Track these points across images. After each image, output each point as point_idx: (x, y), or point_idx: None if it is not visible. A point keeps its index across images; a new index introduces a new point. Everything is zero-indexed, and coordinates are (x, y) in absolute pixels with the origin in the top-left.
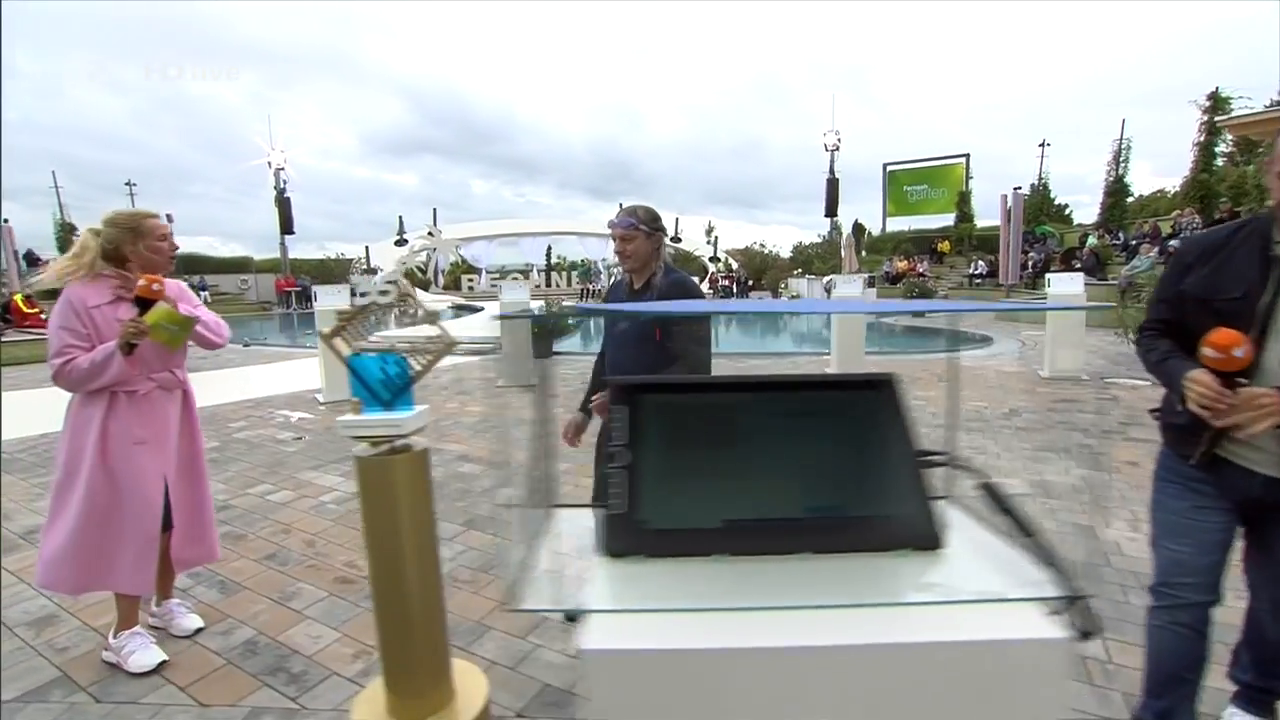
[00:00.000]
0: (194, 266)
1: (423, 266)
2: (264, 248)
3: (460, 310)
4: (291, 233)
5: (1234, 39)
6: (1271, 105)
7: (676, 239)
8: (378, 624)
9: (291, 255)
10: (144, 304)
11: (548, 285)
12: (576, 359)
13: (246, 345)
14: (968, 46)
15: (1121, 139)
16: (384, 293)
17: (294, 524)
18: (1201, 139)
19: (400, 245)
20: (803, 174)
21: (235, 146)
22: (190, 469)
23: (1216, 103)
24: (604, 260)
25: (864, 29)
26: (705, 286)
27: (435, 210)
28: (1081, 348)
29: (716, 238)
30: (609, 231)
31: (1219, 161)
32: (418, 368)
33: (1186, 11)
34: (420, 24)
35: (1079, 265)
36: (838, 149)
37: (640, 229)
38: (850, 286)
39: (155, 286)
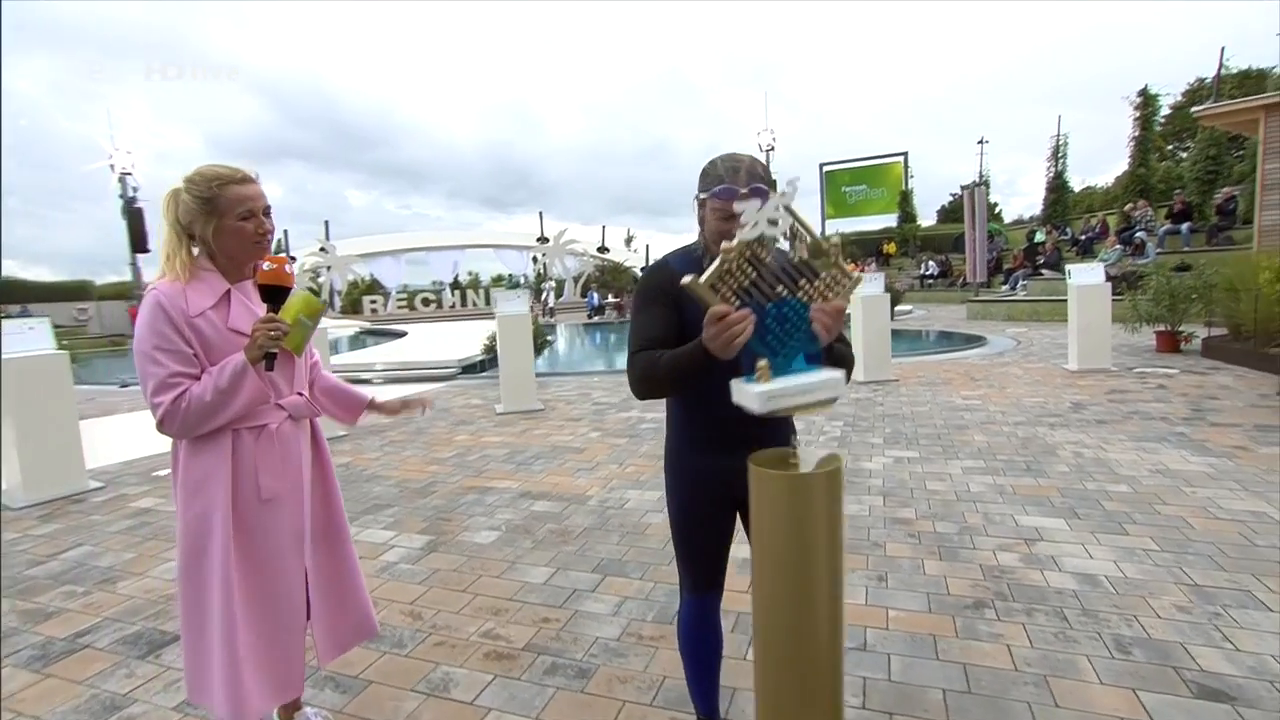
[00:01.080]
0: (7, 295)
1: (315, 289)
2: (83, 269)
3: (375, 337)
4: (146, 250)
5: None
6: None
7: (604, 249)
8: (765, 697)
9: (148, 278)
10: (273, 295)
11: (463, 305)
12: (562, 379)
13: (124, 386)
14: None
15: (1058, 135)
16: (774, 221)
17: (374, 595)
18: (1137, 134)
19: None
20: None
21: (36, 149)
22: (330, 524)
23: (1147, 100)
24: (525, 275)
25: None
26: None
27: (327, 223)
28: (1108, 340)
29: (648, 246)
30: (715, 204)
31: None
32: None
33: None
34: (277, 11)
35: (1043, 260)
36: (773, 149)
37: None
38: (872, 285)
39: (287, 268)
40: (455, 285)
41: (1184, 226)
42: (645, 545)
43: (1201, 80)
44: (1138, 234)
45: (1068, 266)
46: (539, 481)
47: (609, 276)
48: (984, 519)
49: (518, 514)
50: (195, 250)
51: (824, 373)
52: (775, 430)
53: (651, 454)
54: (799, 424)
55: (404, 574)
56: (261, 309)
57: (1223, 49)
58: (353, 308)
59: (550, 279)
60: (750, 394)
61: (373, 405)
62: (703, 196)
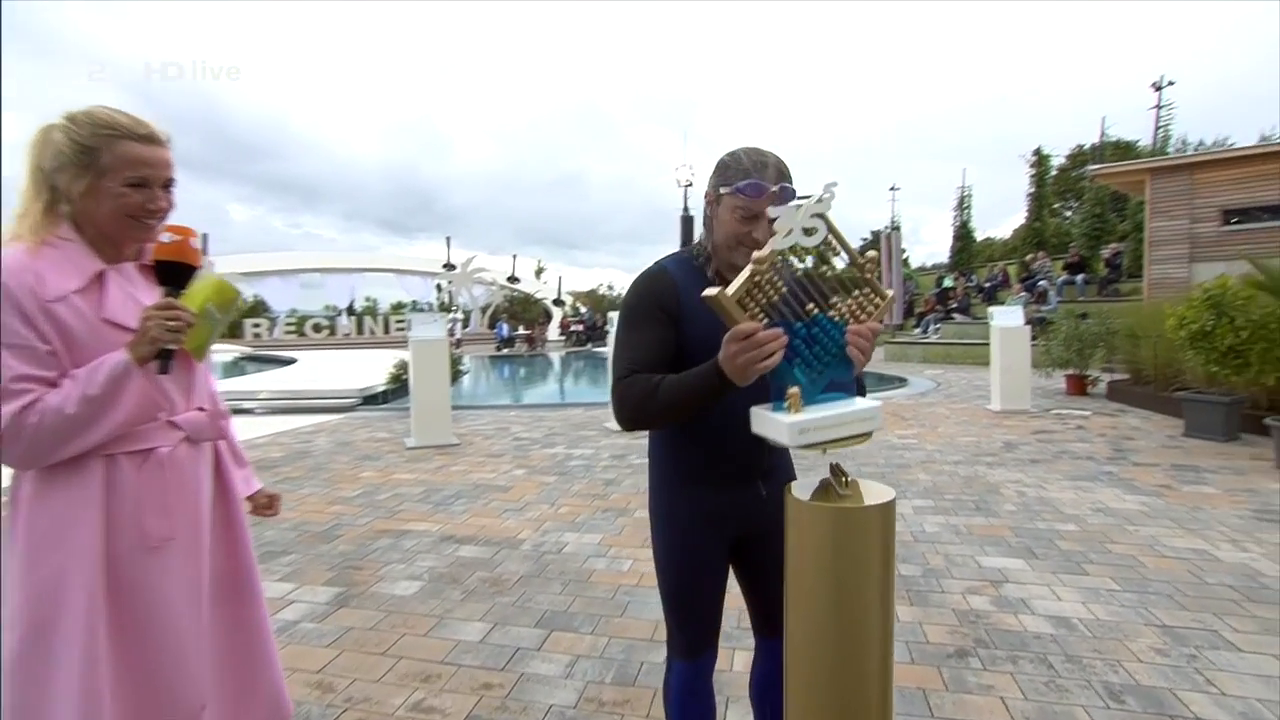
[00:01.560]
0: None
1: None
2: None
3: (258, 364)
4: None
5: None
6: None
7: (514, 279)
8: None
9: None
10: (172, 275)
11: (360, 333)
12: (477, 413)
13: None
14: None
15: (964, 187)
16: (809, 231)
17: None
18: (1033, 190)
19: None
20: (627, 212)
21: None
22: (237, 578)
23: (1040, 159)
24: (429, 303)
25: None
26: (555, 333)
27: (205, 236)
28: (1028, 381)
29: (560, 279)
30: (731, 197)
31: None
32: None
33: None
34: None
35: (954, 305)
36: (691, 185)
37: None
38: None
39: (193, 242)
40: (352, 311)
41: (1079, 278)
42: (592, 595)
43: (1080, 146)
44: (1040, 282)
45: (990, 309)
46: (462, 524)
47: (519, 308)
48: (946, 560)
49: (441, 560)
50: (61, 211)
51: (860, 402)
52: (779, 461)
53: (586, 493)
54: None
55: (308, 635)
56: (151, 299)
57: (1104, 118)
58: (231, 331)
59: (457, 308)
60: (780, 425)
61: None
62: (725, 191)
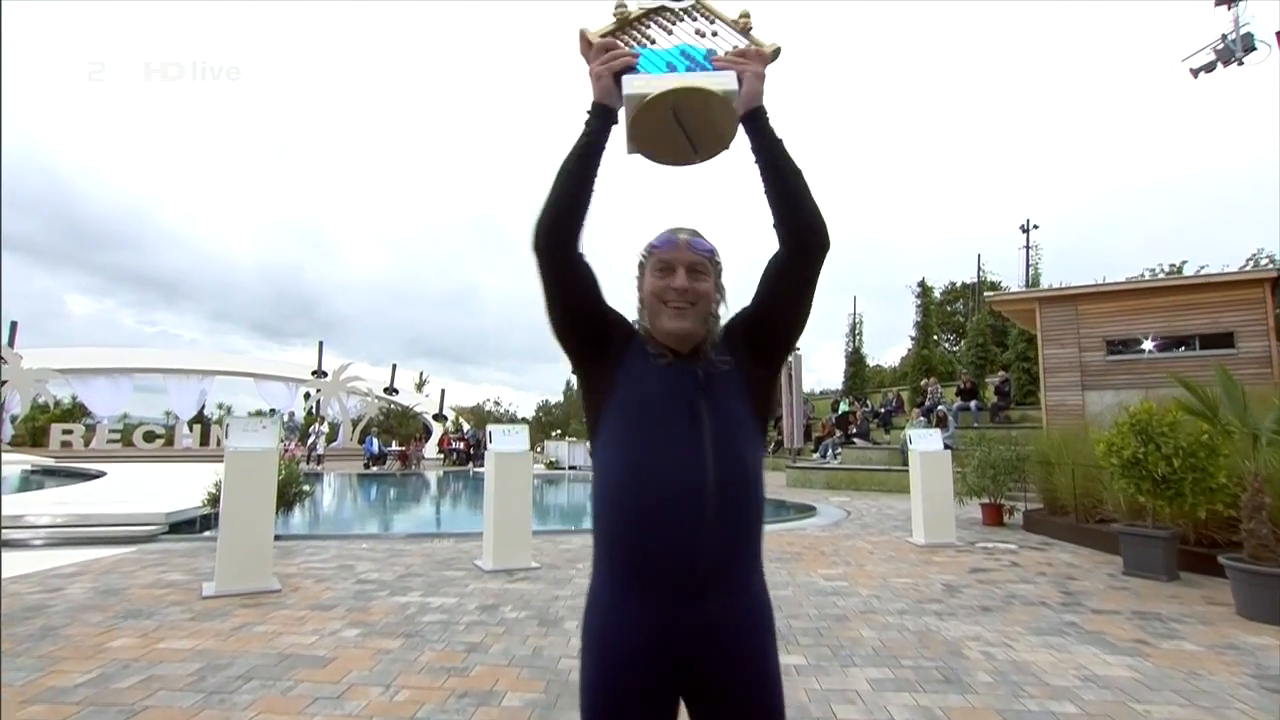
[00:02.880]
0: None
1: None
2: None
3: (58, 478)
4: None
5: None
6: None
7: (392, 390)
8: None
9: None
10: None
11: (204, 444)
12: (318, 544)
13: None
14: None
15: (855, 314)
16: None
17: None
18: (920, 319)
19: None
20: (522, 329)
21: None
22: None
23: (925, 290)
24: (292, 413)
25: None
26: (433, 451)
27: (14, 324)
28: (952, 511)
29: (443, 391)
30: (666, 252)
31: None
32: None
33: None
34: None
35: (855, 430)
36: None
37: (716, 262)
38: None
39: None
40: (199, 420)
41: (972, 404)
42: None
43: (953, 283)
44: (940, 407)
45: (908, 433)
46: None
47: (396, 422)
48: None
49: None
50: None
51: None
52: (733, 567)
53: (438, 667)
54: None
55: None
56: None
57: (979, 255)
58: (32, 438)
59: (324, 419)
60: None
61: None
62: (642, 256)
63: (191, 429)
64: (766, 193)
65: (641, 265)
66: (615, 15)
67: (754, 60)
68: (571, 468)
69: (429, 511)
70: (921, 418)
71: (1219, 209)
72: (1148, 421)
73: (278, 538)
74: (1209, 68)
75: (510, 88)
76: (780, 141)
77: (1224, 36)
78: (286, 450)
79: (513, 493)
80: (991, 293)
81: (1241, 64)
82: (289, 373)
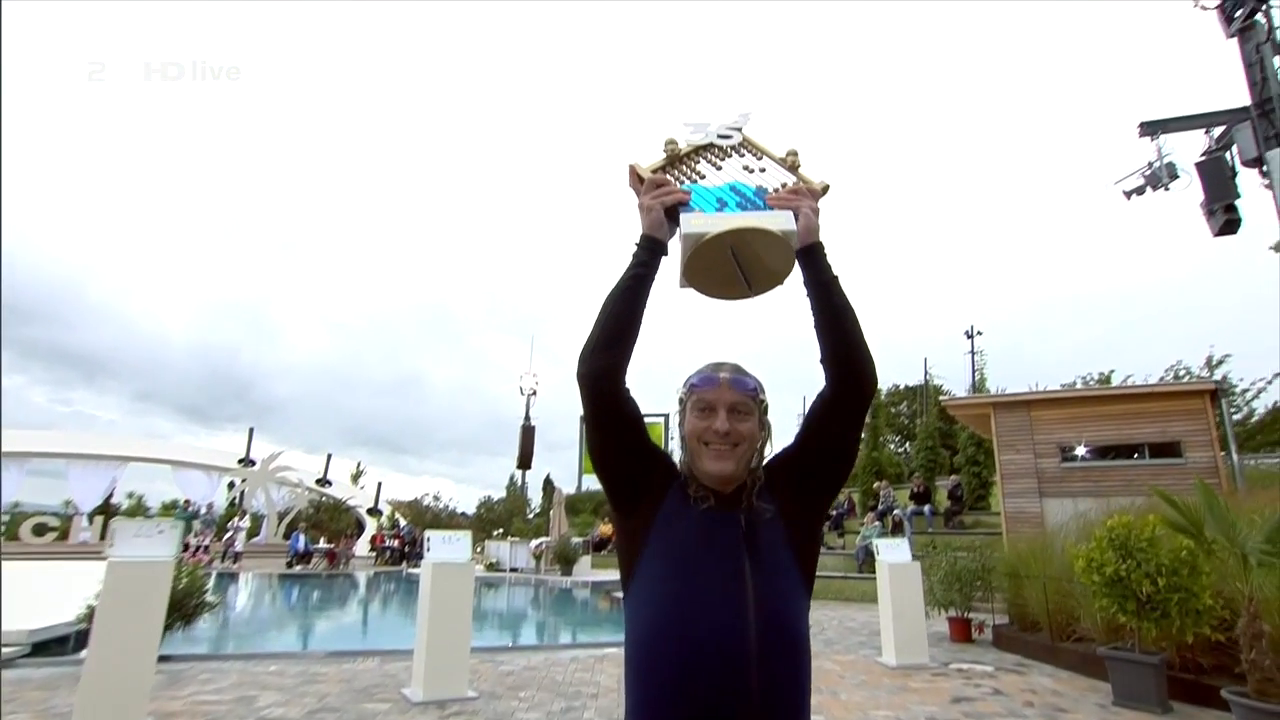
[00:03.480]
0: None
1: None
2: None
3: None
4: None
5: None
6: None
7: (325, 482)
8: None
9: None
10: None
11: (104, 539)
12: (216, 667)
13: None
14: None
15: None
16: (725, 136)
17: None
18: (870, 420)
19: None
20: (466, 420)
21: None
22: None
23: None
24: (211, 504)
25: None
26: (365, 548)
27: None
28: (924, 628)
29: (380, 484)
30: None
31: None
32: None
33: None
34: None
35: None
36: (535, 394)
37: (760, 400)
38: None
39: None
40: (104, 510)
41: (925, 508)
42: None
43: (897, 385)
44: (895, 512)
45: (875, 543)
46: None
47: (327, 516)
48: None
49: None
50: None
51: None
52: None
53: None
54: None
55: None
56: None
57: (925, 359)
58: None
59: (245, 513)
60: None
61: None
62: (683, 394)
63: (92, 521)
64: (817, 328)
65: (682, 403)
66: (666, 151)
67: (807, 197)
68: (513, 570)
69: (354, 620)
70: (876, 522)
71: (1135, 324)
72: (1126, 536)
73: (166, 659)
74: (1140, 190)
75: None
76: (836, 279)
77: (1150, 164)
78: (199, 549)
79: (451, 610)
80: (946, 397)
81: (1168, 189)
82: (213, 460)
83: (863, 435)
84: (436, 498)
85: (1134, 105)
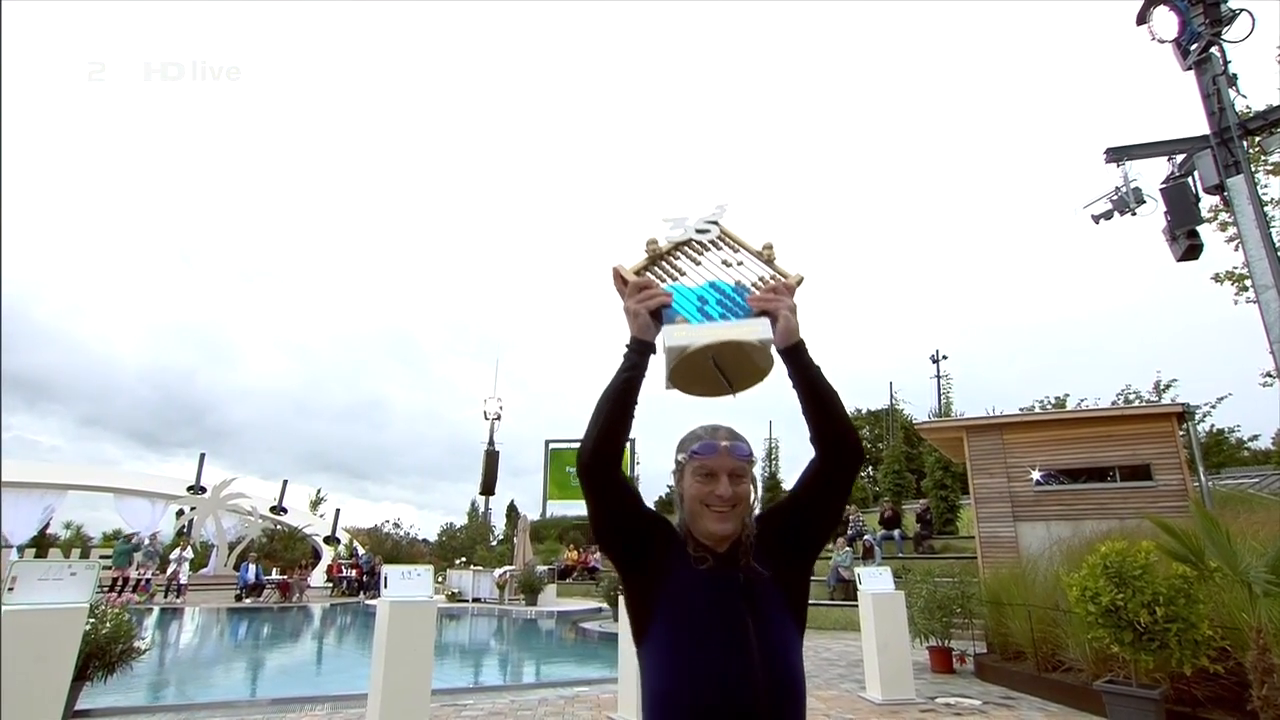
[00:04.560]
0: None
1: None
2: None
3: None
4: None
5: None
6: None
7: (280, 509)
8: None
9: None
10: None
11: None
12: None
13: None
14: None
15: (771, 438)
16: (703, 230)
17: None
18: None
19: None
20: (428, 445)
21: None
22: None
23: None
24: (155, 534)
25: (504, 303)
26: (320, 578)
27: None
28: (909, 661)
29: (338, 511)
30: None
31: None
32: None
33: None
34: None
35: None
36: (499, 418)
37: (753, 462)
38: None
39: None
40: (38, 542)
41: (895, 533)
42: None
43: (859, 409)
44: (865, 537)
45: (856, 571)
46: None
47: (280, 545)
48: None
49: None
50: None
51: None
52: None
53: None
54: None
55: None
56: None
57: (891, 383)
58: None
59: (189, 543)
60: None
61: None
62: (683, 458)
63: (22, 555)
64: (805, 413)
65: (680, 465)
66: (647, 251)
67: (784, 294)
68: (476, 600)
69: (306, 658)
70: (846, 547)
71: (1078, 351)
72: (1120, 564)
73: (82, 714)
74: (1108, 215)
75: (431, 197)
76: (819, 371)
77: (1118, 189)
78: (140, 583)
79: (410, 652)
80: (920, 421)
81: (1135, 214)
82: (161, 487)
83: None
84: (397, 524)
85: (1090, 133)
